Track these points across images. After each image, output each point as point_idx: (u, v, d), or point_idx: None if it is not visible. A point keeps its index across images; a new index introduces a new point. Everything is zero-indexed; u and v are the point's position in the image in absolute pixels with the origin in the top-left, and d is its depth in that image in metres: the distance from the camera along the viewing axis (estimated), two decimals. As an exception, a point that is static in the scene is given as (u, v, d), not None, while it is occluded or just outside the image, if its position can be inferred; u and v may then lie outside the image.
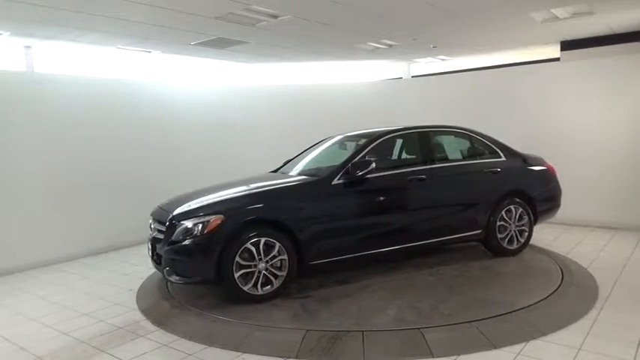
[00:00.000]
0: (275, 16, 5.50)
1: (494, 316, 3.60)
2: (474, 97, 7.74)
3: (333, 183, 4.49)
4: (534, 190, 5.34)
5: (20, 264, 5.90)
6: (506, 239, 5.20)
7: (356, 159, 4.63)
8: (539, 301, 3.86)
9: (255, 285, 4.08)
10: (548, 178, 5.53)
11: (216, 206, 4.23)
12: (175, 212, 4.30)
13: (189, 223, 4.09)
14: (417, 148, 5.21)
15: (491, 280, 4.56)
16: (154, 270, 5.43)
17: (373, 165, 4.55)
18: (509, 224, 5.19)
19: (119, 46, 6.66)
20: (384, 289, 4.36)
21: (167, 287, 4.73)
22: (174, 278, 4.15)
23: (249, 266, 4.06)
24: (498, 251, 5.22)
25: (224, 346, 3.47)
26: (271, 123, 8.46)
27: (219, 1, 4.86)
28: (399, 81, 9.94)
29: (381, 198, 4.71)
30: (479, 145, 5.41)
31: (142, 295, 4.73)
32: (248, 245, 4.04)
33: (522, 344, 3.29)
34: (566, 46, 7.92)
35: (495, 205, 5.11)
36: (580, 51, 7.70)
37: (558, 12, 5.87)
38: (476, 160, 5.40)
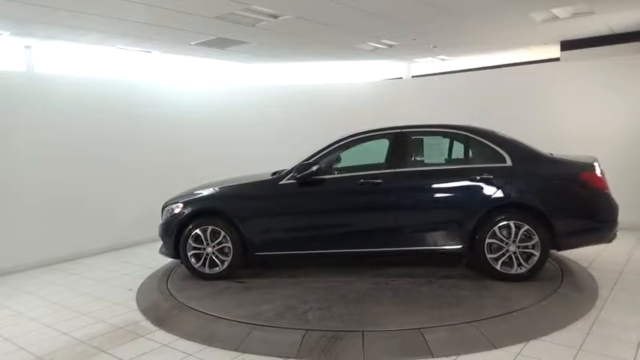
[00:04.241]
0: (275, 16, 5.50)
1: (494, 317, 3.59)
2: (473, 97, 7.73)
3: (281, 183, 4.76)
4: (550, 205, 4.28)
5: (20, 264, 5.91)
6: (501, 261, 4.30)
7: (310, 160, 4.73)
8: (539, 301, 3.85)
9: (203, 265, 4.78)
10: (581, 190, 4.36)
11: (184, 197, 5.00)
12: (166, 200, 5.17)
13: (167, 209, 5.03)
14: (389, 150, 4.84)
15: (420, 300, 4.00)
16: (153, 270, 5.49)
17: (315, 167, 4.64)
18: (506, 244, 4.28)
19: (119, 46, 6.65)
20: (308, 288, 4.42)
21: (167, 287, 4.73)
22: (160, 251, 5.10)
23: (199, 248, 4.77)
24: (491, 274, 4.34)
25: (224, 346, 3.47)
26: (271, 123, 8.45)
27: (219, 1, 4.86)
28: (399, 81, 9.94)
29: (329, 200, 4.74)
30: (476, 146, 4.76)
31: (142, 295, 4.73)
32: (197, 231, 4.74)
33: (522, 344, 3.29)
34: (566, 46, 7.92)
35: (483, 218, 4.33)
36: (580, 51, 7.70)
37: (558, 12, 5.86)
38: (461, 164, 4.82)
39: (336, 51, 7.80)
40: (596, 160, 4.52)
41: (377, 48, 7.67)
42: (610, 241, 4.42)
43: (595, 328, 3.52)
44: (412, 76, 10.04)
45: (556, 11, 5.83)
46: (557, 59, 8.17)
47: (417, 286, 4.33)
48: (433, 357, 3.18)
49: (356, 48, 7.60)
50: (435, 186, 4.59)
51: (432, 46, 7.83)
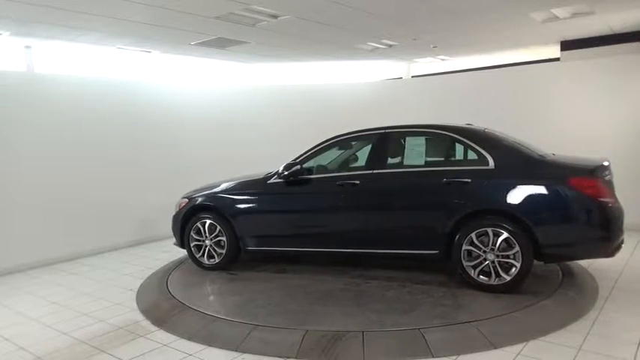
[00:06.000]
0: (275, 16, 5.50)
1: (494, 317, 3.60)
2: (473, 97, 7.73)
3: (269, 182, 4.93)
4: (533, 212, 3.92)
5: (20, 264, 5.91)
6: (478, 270, 4.05)
7: (297, 160, 4.85)
8: (538, 302, 3.85)
9: (203, 255, 5.17)
10: (569, 196, 3.90)
11: (191, 193, 5.39)
12: (182, 194, 5.53)
13: (177, 203, 5.42)
14: (371, 151, 4.78)
15: (375, 304, 3.96)
16: (153, 270, 5.50)
17: (297, 167, 4.77)
18: (484, 252, 4.01)
19: (119, 46, 6.65)
20: (283, 284, 4.61)
21: (167, 287, 4.73)
22: (174, 243, 5.46)
23: (200, 240, 5.16)
24: (468, 283, 4.12)
25: (224, 346, 3.48)
26: (271, 123, 8.46)
27: (219, 1, 4.86)
28: (399, 81, 9.93)
29: (310, 200, 4.85)
30: (459, 148, 4.58)
31: (142, 295, 4.74)
32: (198, 224, 5.14)
33: (522, 344, 3.29)
34: (566, 46, 7.91)
35: (459, 223, 4.10)
36: (580, 51, 7.69)
37: (558, 12, 5.86)
38: (439, 166, 4.56)
39: (336, 51, 7.80)
40: (604, 162, 4.13)
41: (377, 48, 7.67)
42: (609, 255, 3.99)
43: (595, 328, 3.52)
44: (412, 76, 10.03)
45: (556, 11, 5.82)
46: (557, 59, 8.17)
47: (386, 290, 4.28)
48: (433, 357, 3.19)
49: (356, 48, 7.60)
50: (410, 188, 4.46)
51: (432, 46, 7.82)
